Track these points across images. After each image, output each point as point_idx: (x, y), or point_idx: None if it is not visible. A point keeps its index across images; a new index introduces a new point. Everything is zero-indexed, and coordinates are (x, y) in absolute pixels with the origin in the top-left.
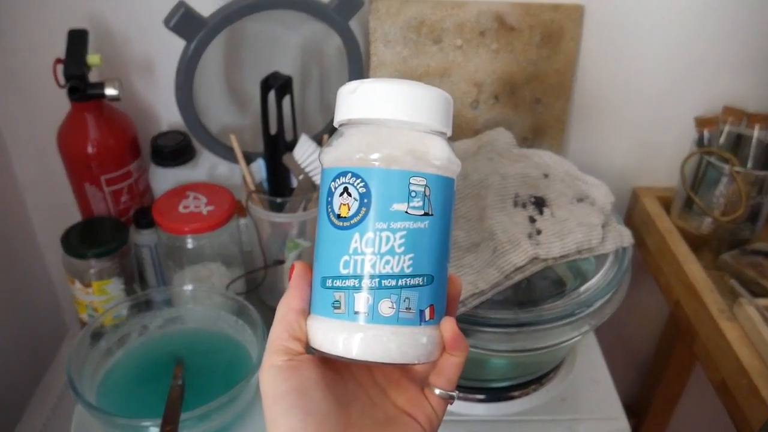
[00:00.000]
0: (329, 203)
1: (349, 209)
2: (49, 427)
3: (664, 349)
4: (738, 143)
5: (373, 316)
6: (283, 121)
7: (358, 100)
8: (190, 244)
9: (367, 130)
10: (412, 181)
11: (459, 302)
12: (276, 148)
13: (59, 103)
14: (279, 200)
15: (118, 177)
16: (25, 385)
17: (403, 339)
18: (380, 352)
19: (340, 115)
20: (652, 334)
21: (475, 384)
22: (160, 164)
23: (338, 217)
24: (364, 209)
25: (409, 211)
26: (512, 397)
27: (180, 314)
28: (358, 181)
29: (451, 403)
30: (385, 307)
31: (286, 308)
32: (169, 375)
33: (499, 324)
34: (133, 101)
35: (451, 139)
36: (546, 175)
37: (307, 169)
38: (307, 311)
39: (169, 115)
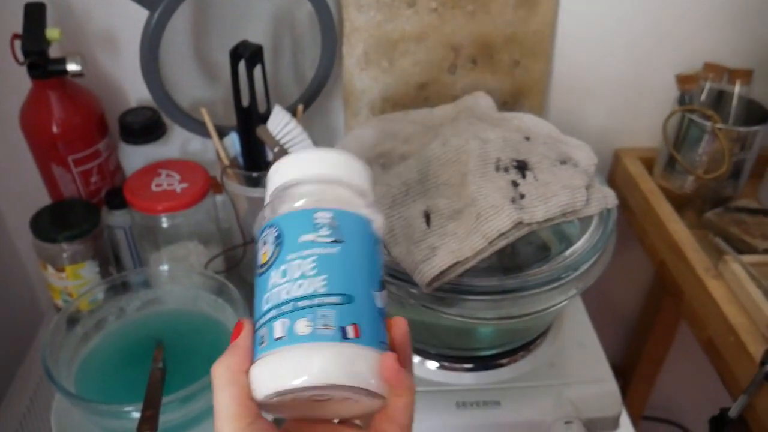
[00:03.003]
0: (256, 258)
1: (267, 255)
2: (29, 416)
3: (649, 309)
4: (719, 100)
5: (290, 337)
6: (255, 92)
7: (275, 175)
8: (165, 223)
9: (280, 191)
10: (316, 215)
11: (439, 280)
12: (249, 121)
13: (20, 82)
14: (255, 174)
15: (87, 157)
16: (2, 375)
17: (325, 354)
18: (301, 373)
19: (268, 191)
20: (637, 294)
21: (462, 353)
22: (130, 142)
23: (260, 265)
24: (278, 249)
25: (317, 239)
26: (500, 365)
27: (158, 296)
28: (272, 229)
29: None
30: (302, 326)
31: (236, 369)
32: (149, 358)
33: (484, 291)
34: (98, 77)
35: (431, 105)
36: (527, 138)
37: (282, 141)
38: None
39: (136, 91)
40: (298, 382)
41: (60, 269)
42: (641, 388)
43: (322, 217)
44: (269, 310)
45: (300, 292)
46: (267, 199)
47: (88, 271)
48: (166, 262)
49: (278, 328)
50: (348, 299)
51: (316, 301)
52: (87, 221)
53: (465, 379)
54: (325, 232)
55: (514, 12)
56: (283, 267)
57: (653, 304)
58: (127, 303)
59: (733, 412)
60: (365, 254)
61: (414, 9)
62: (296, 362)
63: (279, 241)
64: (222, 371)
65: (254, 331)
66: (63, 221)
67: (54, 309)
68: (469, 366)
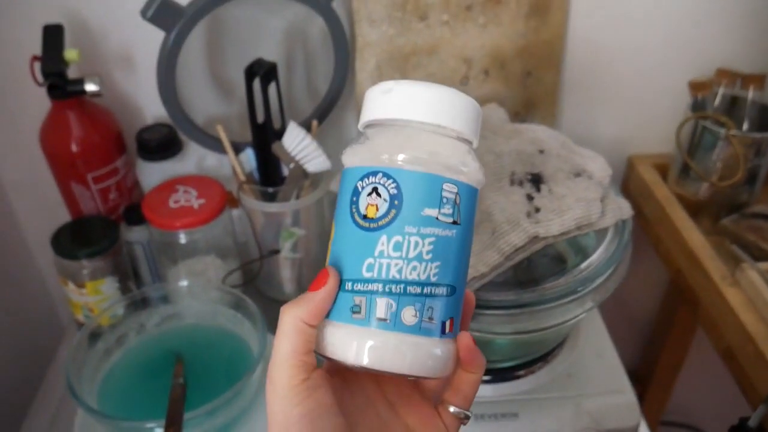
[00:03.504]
0: (354, 203)
1: (377, 210)
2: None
3: (665, 315)
4: (733, 106)
5: (396, 324)
6: (270, 108)
7: (392, 101)
8: (182, 239)
9: (400, 132)
10: (445, 186)
11: None
12: (264, 137)
13: (40, 102)
14: (271, 190)
15: (105, 174)
16: (24, 391)
17: (423, 350)
18: (398, 362)
19: (371, 115)
20: (653, 300)
21: None
22: (147, 159)
23: (364, 217)
24: (393, 211)
25: (440, 217)
26: (518, 377)
27: (177, 311)
28: (390, 181)
29: (466, 423)
30: (409, 315)
31: (304, 322)
32: (169, 373)
33: (501, 306)
34: (116, 96)
35: None
36: (541, 151)
37: (297, 157)
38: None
39: (153, 108)
40: (389, 368)
41: (80, 285)
42: (659, 394)
43: (449, 190)
44: (373, 281)
45: (413, 276)
46: (376, 117)
47: (108, 286)
48: (185, 277)
49: (382, 307)
50: (452, 291)
51: (427, 290)
52: (106, 238)
53: (483, 391)
54: (447, 209)
55: (525, 23)
56: (397, 238)
57: (669, 310)
58: (147, 318)
59: (753, 422)
60: (471, 237)
61: (426, 22)
62: (394, 351)
63: (397, 202)
64: (289, 319)
65: (340, 286)
66: (83, 238)
67: (75, 324)
68: (487, 378)
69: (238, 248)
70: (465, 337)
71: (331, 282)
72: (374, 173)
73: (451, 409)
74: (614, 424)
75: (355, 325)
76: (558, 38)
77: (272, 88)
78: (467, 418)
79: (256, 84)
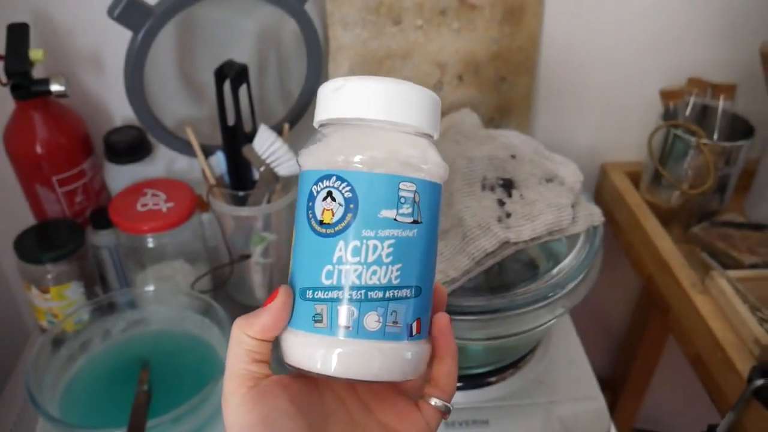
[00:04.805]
0: (310, 208)
1: (333, 215)
2: None
3: (637, 323)
4: (704, 115)
5: (358, 330)
6: (241, 111)
7: (343, 99)
8: (150, 243)
9: (354, 131)
10: (401, 186)
11: None
12: (235, 140)
13: (3, 102)
14: (241, 194)
15: (71, 177)
16: None
17: (389, 355)
18: (364, 369)
19: (323, 114)
20: (625, 308)
21: None
22: (115, 161)
23: (321, 223)
24: (349, 215)
25: (398, 218)
26: (489, 383)
27: (144, 316)
28: (344, 185)
29: (446, 417)
30: (372, 321)
31: (244, 334)
32: (135, 379)
33: (472, 311)
34: (83, 97)
35: None
36: (513, 156)
37: (268, 161)
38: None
39: (121, 110)
40: (355, 376)
41: (44, 290)
42: (631, 401)
43: (407, 189)
44: (333, 289)
45: (373, 281)
46: (328, 116)
47: (73, 291)
48: (152, 283)
49: (344, 315)
50: (417, 292)
51: (389, 294)
52: (72, 241)
53: (453, 397)
54: (406, 209)
55: (499, 29)
56: (355, 243)
57: (641, 317)
58: (113, 324)
59: (721, 429)
60: (435, 233)
61: (399, 27)
62: (360, 358)
63: (352, 205)
64: (233, 331)
65: (293, 297)
66: (47, 242)
67: (39, 330)
68: (458, 385)
69: (208, 253)
70: (442, 318)
71: (279, 301)
72: (328, 177)
73: (433, 402)
74: (584, 430)
75: (317, 334)
76: (532, 44)
77: (243, 91)
78: (448, 411)
79: (227, 86)
